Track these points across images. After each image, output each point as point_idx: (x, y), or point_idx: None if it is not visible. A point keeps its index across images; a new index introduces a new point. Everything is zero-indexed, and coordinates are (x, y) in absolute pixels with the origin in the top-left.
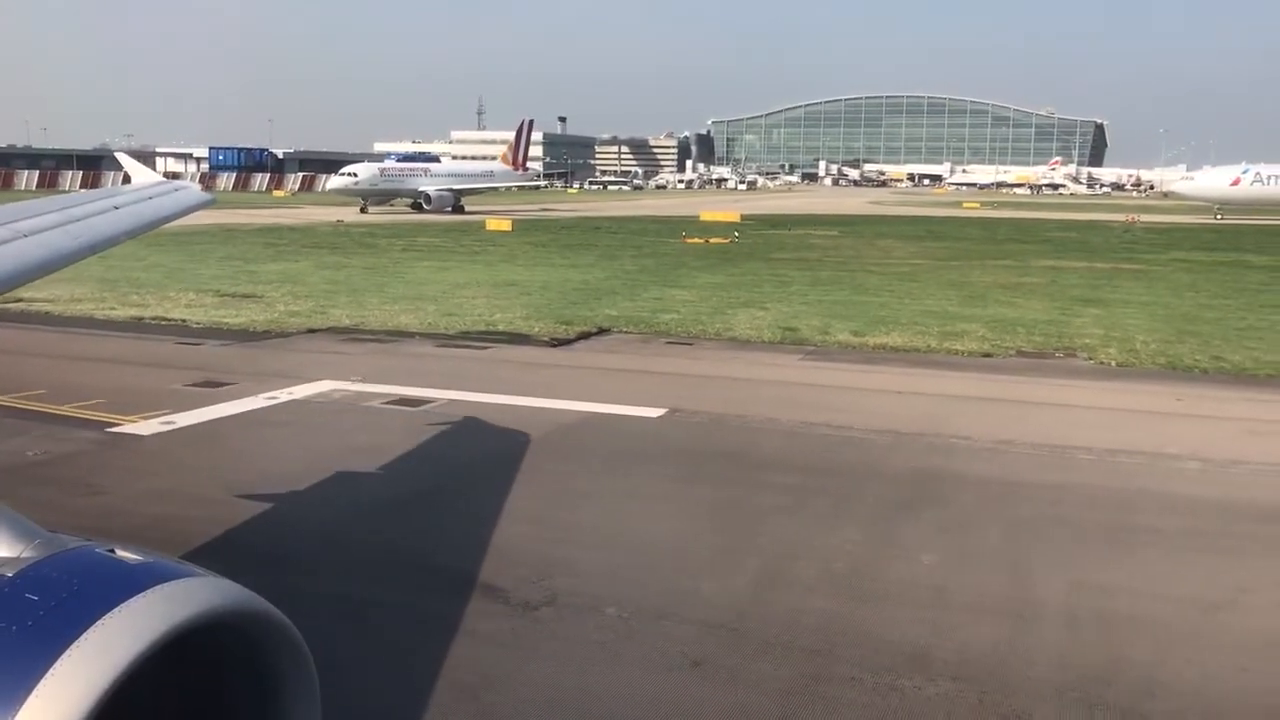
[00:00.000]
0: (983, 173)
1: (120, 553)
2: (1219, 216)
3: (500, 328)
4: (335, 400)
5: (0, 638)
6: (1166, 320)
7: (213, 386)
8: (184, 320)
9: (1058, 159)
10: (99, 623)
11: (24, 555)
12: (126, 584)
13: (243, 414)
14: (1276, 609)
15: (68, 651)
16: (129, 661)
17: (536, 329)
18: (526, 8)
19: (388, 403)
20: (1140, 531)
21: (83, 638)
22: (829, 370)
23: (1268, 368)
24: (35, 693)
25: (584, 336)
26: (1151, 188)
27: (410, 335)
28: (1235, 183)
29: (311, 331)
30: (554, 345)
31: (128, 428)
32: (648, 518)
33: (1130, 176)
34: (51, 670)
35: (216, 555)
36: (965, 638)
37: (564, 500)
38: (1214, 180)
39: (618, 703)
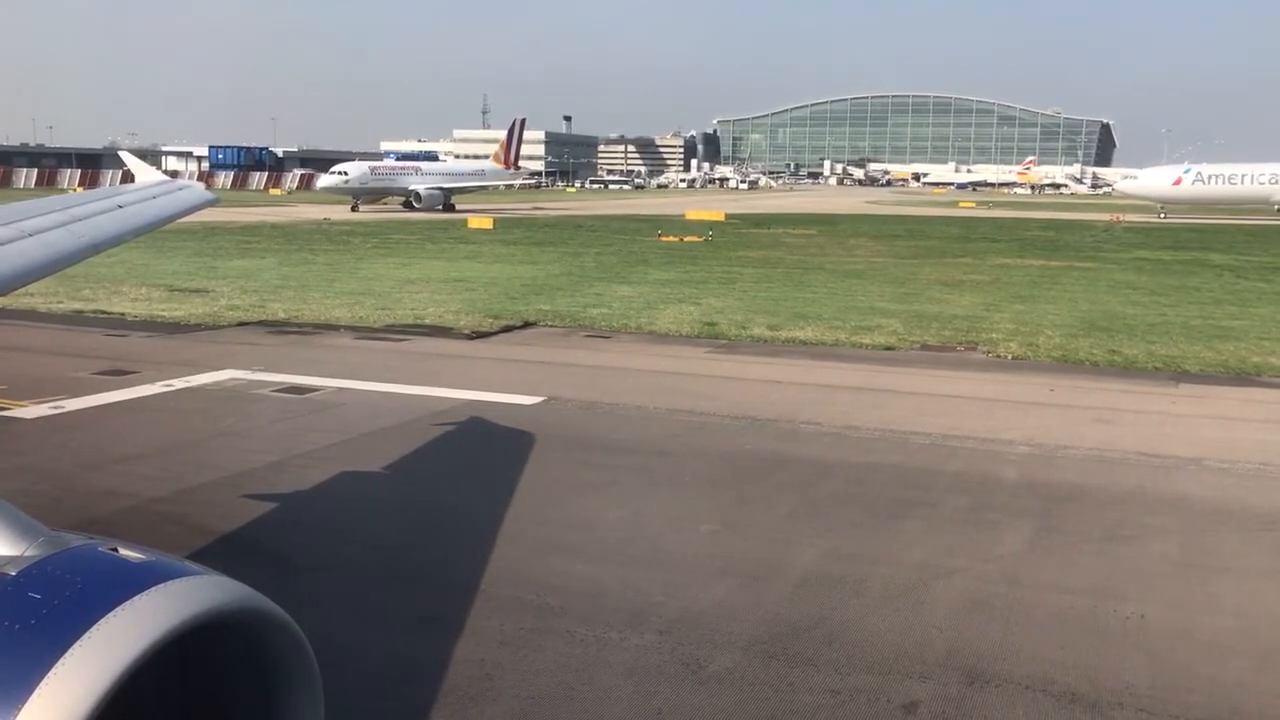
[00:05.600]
0: (987, 172)
1: (123, 551)
2: (1162, 215)
3: (428, 321)
4: (227, 388)
5: (3, 636)
6: (1084, 316)
7: (117, 375)
8: (123, 314)
9: (1031, 158)
10: (101, 621)
11: (27, 554)
12: (129, 582)
13: (130, 400)
14: (1002, 576)
15: (70, 650)
16: (132, 660)
17: (462, 322)
18: (534, 7)
19: (276, 390)
20: (920, 506)
21: (85, 636)
22: (727, 362)
23: (1158, 360)
24: (38, 691)
25: (506, 330)
26: None
27: (336, 328)
28: (1177, 182)
29: (242, 324)
30: (472, 338)
31: (15, 412)
32: (456, 492)
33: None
34: (54, 669)
35: (48, 520)
36: (694, 597)
37: (384, 477)
38: (1156, 180)
39: (349, 655)
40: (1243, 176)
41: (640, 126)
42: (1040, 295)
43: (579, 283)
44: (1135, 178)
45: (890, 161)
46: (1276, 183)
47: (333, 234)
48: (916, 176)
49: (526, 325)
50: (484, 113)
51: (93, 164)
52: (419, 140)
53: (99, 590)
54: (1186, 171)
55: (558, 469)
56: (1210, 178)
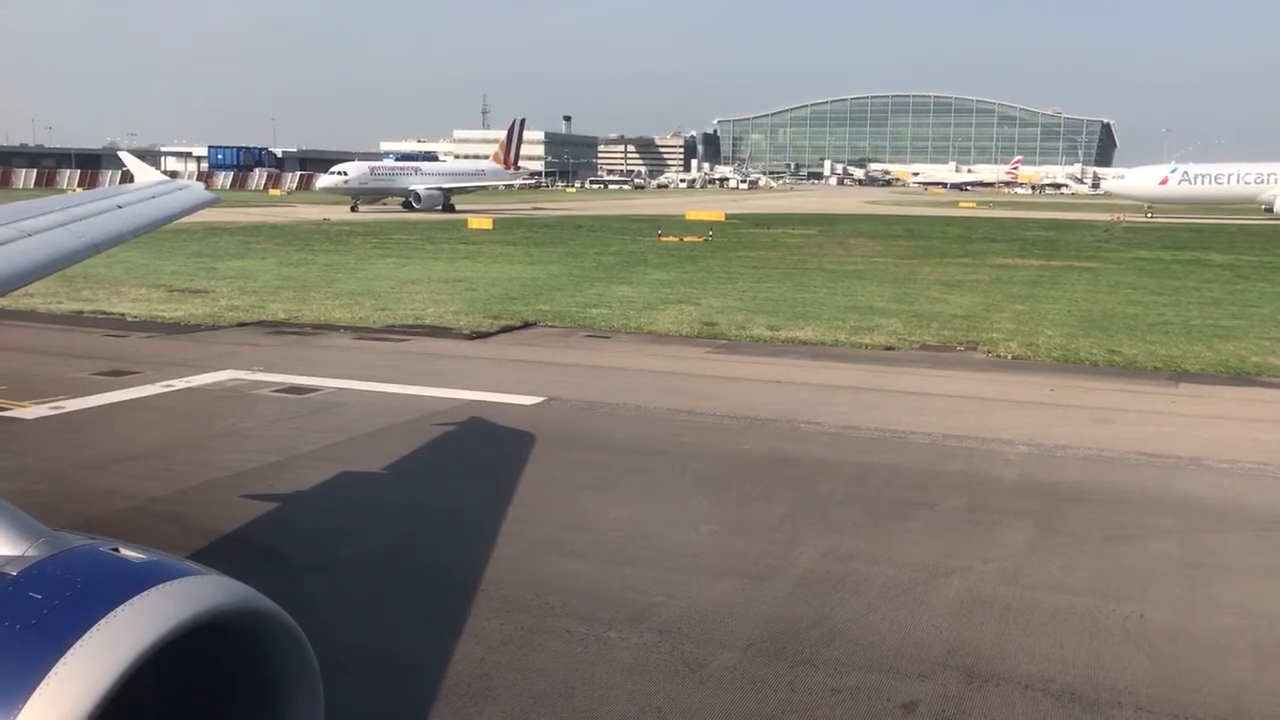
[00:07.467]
0: (987, 172)
1: (123, 551)
2: (1149, 215)
3: (427, 322)
4: (228, 389)
5: (3, 636)
6: (1084, 316)
7: (117, 375)
8: (123, 314)
9: (1019, 158)
10: (102, 621)
11: (27, 554)
12: (129, 582)
13: (131, 400)
14: (1001, 575)
15: (71, 650)
16: (132, 660)
17: (462, 323)
18: (534, 7)
19: (276, 391)
20: (920, 506)
21: (86, 636)
22: (728, 362)
23: (1157, 360)
24: (39, 691)
25: (506, 330)
26: None
27: (336, 329)
28: (1164, 182)
29: (242, 325)
30: (472, 338)
31: (16, 412)
32: (456, 493)
33: None
34: (55, 669)
35: (48, 521)
36: (694, 597)
37: (384, 478)
38: (1143, 179)
39: (350, 655)
40: (1229, 176)
41: (640, 126)
42: (1040, 295)
43: (578, 283)
44: (1123, 177)
45: (890, 161)
46: (1263, 182)
47: (332, 234)
48: (915, 174)
49: (526, 325)
50: (484, 113)
51: (92, 164)
52: (419, 140)
53: (99, 590)
54: (1173, 171)
55: (557, 469)
56: (1197, 177)
